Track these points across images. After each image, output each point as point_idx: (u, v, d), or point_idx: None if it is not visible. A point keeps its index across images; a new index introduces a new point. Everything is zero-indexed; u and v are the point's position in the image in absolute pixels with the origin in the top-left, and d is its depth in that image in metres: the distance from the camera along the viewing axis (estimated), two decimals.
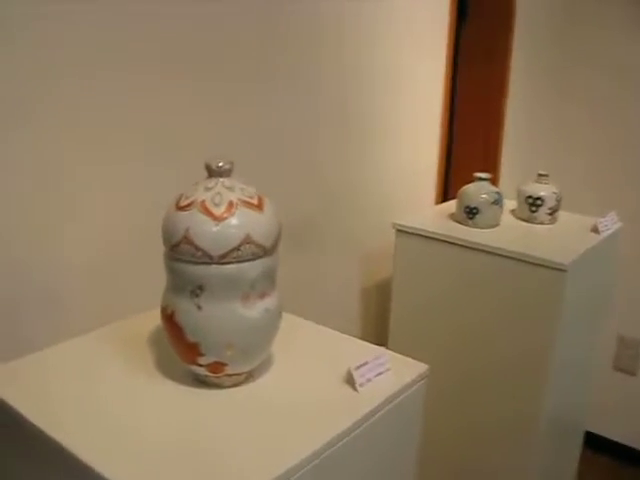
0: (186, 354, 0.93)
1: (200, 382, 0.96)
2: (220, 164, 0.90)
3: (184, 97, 1.31)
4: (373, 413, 0.92)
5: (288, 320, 1.13)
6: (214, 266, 0.87)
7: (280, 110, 1.55)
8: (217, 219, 0.86)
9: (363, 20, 1.72)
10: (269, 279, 0.93)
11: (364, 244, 1.94)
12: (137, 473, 0.78)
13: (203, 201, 0.87)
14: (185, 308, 0.90)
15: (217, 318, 0.89)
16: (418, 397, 1.03)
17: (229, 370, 0.93)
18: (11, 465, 0.97)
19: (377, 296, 2.04)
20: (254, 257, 0.88)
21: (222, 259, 0.86)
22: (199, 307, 0.89)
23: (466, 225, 1.68)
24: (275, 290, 0.95)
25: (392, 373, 1.00)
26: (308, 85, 1.61)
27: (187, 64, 1.31)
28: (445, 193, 2.27)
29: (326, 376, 0.99)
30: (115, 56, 1.17)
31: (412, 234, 1.69)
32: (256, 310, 0.91)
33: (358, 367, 0.97)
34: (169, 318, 0.92)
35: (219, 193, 0.88)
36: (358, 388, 0.95)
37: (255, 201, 0.89)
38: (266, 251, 0.90)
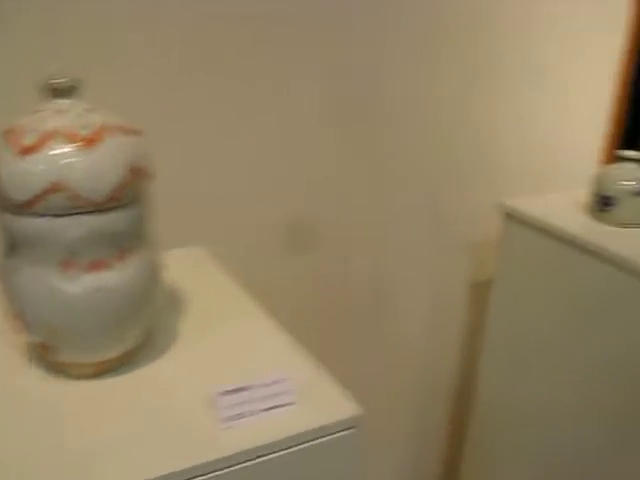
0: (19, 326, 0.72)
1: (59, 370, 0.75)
2: (55, 80, 0.65)
3: None
4: (220, 466, 0.62)
5: (236, 302, 0.88)
6: (21, 217, 0.64)
7: None
8: (21, 153, 0.62)
9: None
10: (107, 245, 0.66)
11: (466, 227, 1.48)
12: None
13: (15, 127, 0.64)
14: (5, 267, 0.69)
15: (29, 286, 0.66)
16: (332, 460, 0.68)
17: (65, 358, 0.70)
18: None
19: (473, 296, 1.57)
20: (73, 212, 0.63)
21: (26, 209, 0.63)
22: (15, 269, 0.67)
23: (598, 220, 1.19)
24: (126, 262, 0.68)
25: (295, 410, 0.68)
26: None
27: None
28: None
29: (198, 392, 0.70)
30: None
31: (523, 223, 1.25)
32: (79, 285, 0.65)
33: (227, 392, 0.67)
34: None
35: (42, 118, 0.64)
36: (221, 423, 0.66)
37: (86, 133, 0.63)
38: (96, 206, 0.64)
